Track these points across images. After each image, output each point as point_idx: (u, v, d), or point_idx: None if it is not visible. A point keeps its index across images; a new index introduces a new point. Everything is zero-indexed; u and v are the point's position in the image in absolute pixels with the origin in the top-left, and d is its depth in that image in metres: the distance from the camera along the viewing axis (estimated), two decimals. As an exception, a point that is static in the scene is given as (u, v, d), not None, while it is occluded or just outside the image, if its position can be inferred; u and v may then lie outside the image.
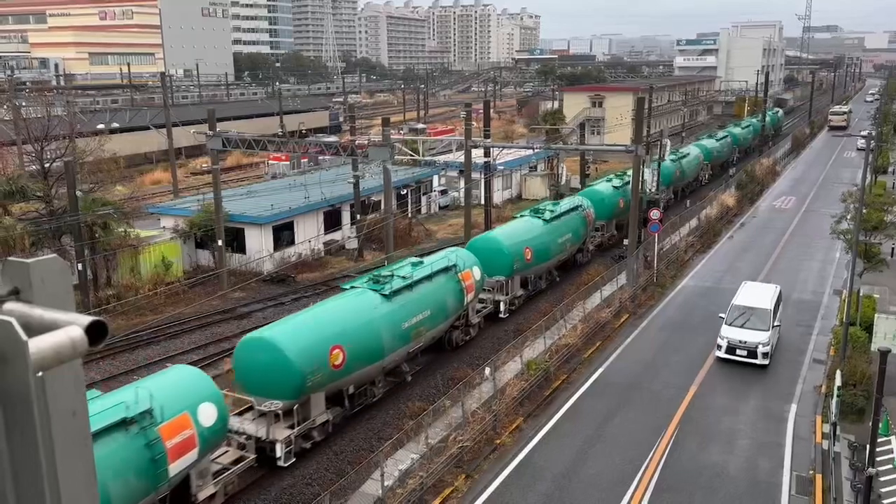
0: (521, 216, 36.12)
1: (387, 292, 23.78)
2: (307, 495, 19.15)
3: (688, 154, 58.13)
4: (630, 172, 39.25)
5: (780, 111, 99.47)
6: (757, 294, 28.96)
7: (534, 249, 33.28)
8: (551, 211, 35.96)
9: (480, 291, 29.75)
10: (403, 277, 24.91)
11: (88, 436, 1.94)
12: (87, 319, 1.81)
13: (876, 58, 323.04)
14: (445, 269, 26.95)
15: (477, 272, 28.78)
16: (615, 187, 43.35)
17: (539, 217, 35.29)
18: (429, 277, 25.88)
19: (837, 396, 21.57)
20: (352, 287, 24.62)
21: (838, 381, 22.12)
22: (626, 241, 38.25)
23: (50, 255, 1.98)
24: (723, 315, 28.09)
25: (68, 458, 1.87)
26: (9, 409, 1.80)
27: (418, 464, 20.04)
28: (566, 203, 38.25)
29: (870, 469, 16.65)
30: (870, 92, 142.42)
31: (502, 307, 31.99)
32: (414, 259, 27.63)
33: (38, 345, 1.73)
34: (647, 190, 42.24)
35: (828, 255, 41.95)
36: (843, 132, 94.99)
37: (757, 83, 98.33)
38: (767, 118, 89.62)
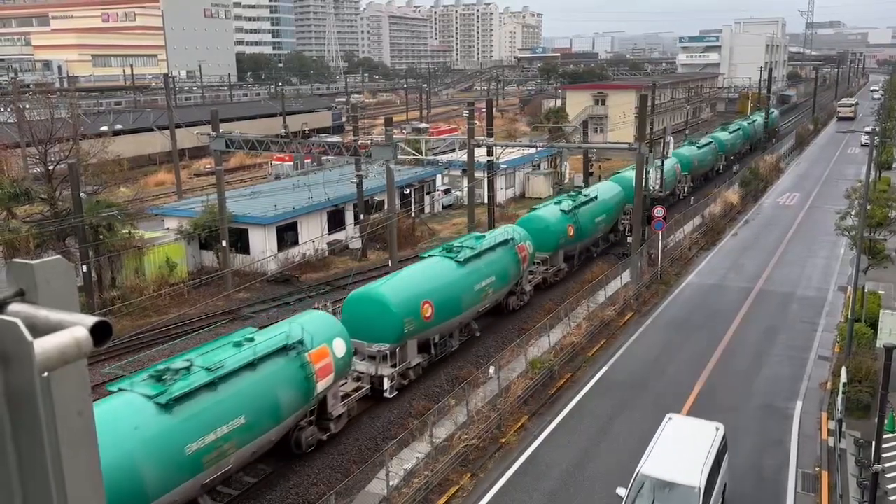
0: (430, 256, 28.61)
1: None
2: (313, 495, 19.18)
3: (591, 199, 44.02)
4: (586, 190, 38.19)
5: (776, 112, 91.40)
6: (684, 448, 17.49)
7: (438, 303, 25.69)
8: (470, 248, 28.72)
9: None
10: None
11: (94, 435, 1.95)
12: (91, 320, 1.83)
13: (879, 53, 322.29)
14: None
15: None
16: (564, 211, 36.51)
17: (451, 258, 27.91)
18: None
19: (843, 393, 21.53)
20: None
21: (844, 378, 22.06)
22: (629, 239, 38.24)
23: (54, 257, 1.99)
24: (622, 491, 16.83)
25: (74, 457, 1.88)
26: (15, 410, 1.81)
27: (423, 463, 20.05)
28: (493, 236, 31.15)
29: (876, 465, 16.62)
30: (872, 88, 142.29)
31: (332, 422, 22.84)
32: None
33: (44, 345, 1.74)
34: (651, 188, 42.16)
35: (832, 251, 41.86)
36: (850, 122, 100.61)
37: (760, 80, 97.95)
38: (759, 120, 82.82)
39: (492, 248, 29.72)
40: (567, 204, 37.48)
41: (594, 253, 40.85)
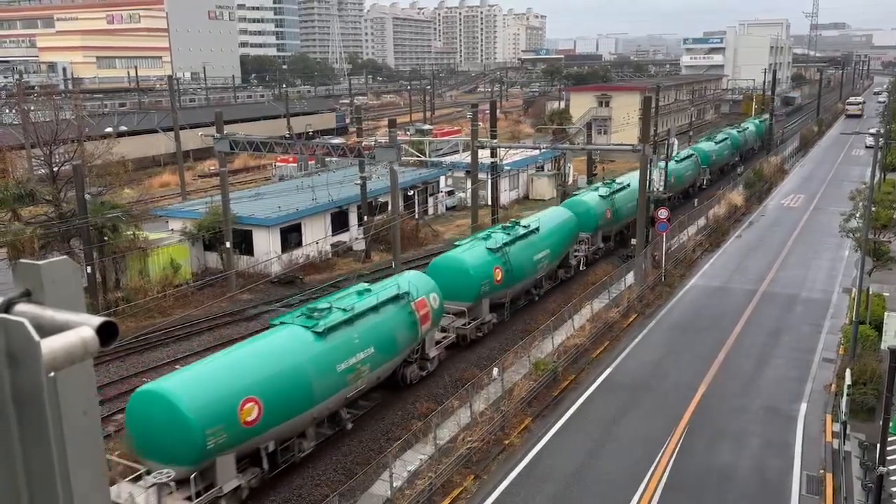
0: (281, 325, 21.10)
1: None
2: (316, 496, 19.19)
3: (625, 187, 42.61)
4: (527, 220, 33.07)
5: (768, 119, 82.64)
6: None
7: (267, 402, 18.23)
8: (344, 310, 21.49)
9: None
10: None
11: (99, 434, 1.96)
12: (97, 320, 1.84)
13: (884, 55, 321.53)
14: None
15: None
16: (491, 250, 29.45)
17: (311, 328, 20.45)
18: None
19: (847, 395, 21.47)
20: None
21: (848, 380, 22.00)
22: (633, 241, 38.19)
23: (60, 258, 2.00)
24: None
25: (80, 456, 1.89)
26: (22, 409, 1.83)
27: (427, 464, 20.05)
28: (380, 290, 23.69)
29: (880, 468, 16.57)
30: (875, 90, 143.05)
31: None
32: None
33: (50, 345, 1.75)
34: (655, 189, 42.11)
35: (837, 253, 41.76)
36: (858, 119, 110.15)
37: (764, 81, 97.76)
38: (751, 128, 75.54)
39: (373, 309, 22.42)
40: (496, 240, 30.32)
41: (535, 296, 33.76)
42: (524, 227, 32.58)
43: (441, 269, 28.26)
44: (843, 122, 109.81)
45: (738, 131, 72.02)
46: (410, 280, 25.04)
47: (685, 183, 54.31)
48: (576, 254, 37.70)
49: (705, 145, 62.10)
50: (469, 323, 28.40)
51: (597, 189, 40.17)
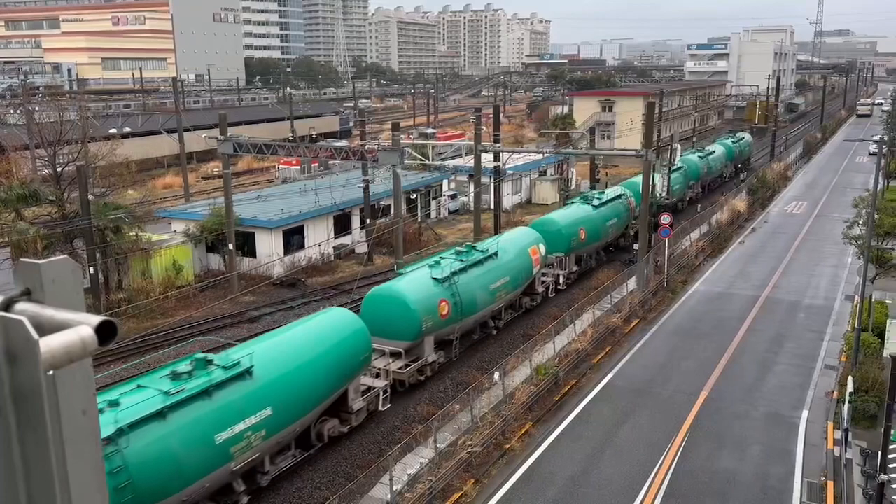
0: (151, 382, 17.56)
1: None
2: (316, 499, 19.18)
3: (606, 202, 40.02)
4: (485, 244, 30.63)
5: (748, 136, 74.44)
6: None
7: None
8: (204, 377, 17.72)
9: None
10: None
11: (98, 434, 1.96)
12: (97, 319, 1.84)
13: (888, 62, 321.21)
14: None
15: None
16: (438, 280, 26.30)
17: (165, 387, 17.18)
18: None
19: (849, 402, 21.43)
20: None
21: (850, 387, 21.97)
22: (636, 246, 38.14)
23: (61, 257, 2.00)
24: None
25: (78, 455, 1.89)
26: (20, 407, 1.83)
27: (427, 468, 20.03)
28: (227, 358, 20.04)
29: (882, 475, 16.53)
30: (877, 101, 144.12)
31: None
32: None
33: (49, 344, 1.75)
34: (658, 194, 42.07)
35: (840, 260, 41.70)
36: (868, 118, 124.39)
37: (768, 88, 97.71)
38: (720, 150, 63.25)
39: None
40: (444, 268, 26.91)
41: (494, 329, 30.48)
42: (481, 251, 29.45)
43: (378, 301, 25.02)
44: (855, 120, 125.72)
45: (702, 156, 58.08)
46: (331, 319, 22.01)
47: (605, 237, 40.13)
48: (543, 279, 34.10)
49: (561, 216, 42.57)
50: (408, 365, 24.73)
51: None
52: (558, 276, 35.24)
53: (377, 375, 23.80)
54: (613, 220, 40.60)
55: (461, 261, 27.90)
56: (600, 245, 39.98)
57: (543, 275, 34.18)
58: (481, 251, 29.45)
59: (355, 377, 21.68)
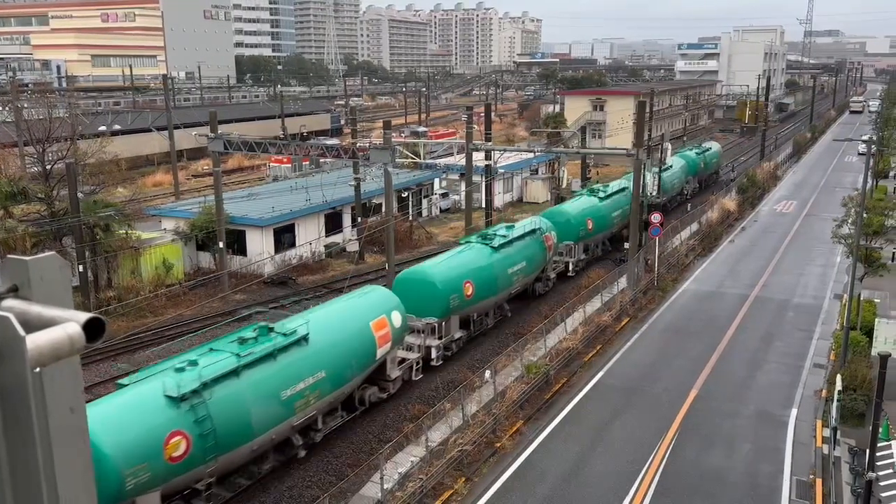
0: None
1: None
2: (307, 497, 19.14)
3: (522, 235, 32.37)
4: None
5: (716, 146, 66.96)
6: None
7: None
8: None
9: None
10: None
11: (86, 431, 1.95)
12: (84, 316, 1.83)
13: (877, 62, 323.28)
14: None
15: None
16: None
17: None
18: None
19: (838, 401, 21.55)
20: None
21: (839, 386, 22.10)
22: (626, 245, 38.25)
23: (49, 254, 1.99)
24: None
25: (65, 453, 1.88)
26: (6, 405, 1.81)
27: (418, 467, 20.02)
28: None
29: (870, 473, 16.63)
30: (869, 105, 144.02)
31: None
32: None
33: (36, 341, 1.74)
34: (648, 194, 42.20)
35: (829, 259, 41.93)
36: (860, 114, 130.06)
37: (758, 87, 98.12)
38: (679, 165, 52.86)
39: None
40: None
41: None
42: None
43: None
44: (848, 116, 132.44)
45: (655, 170, 45.66)
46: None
47: (501, 289, 30.61)
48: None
49: (570, 208, 39.35)
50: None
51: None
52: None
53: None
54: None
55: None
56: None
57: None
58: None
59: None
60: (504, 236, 31.19)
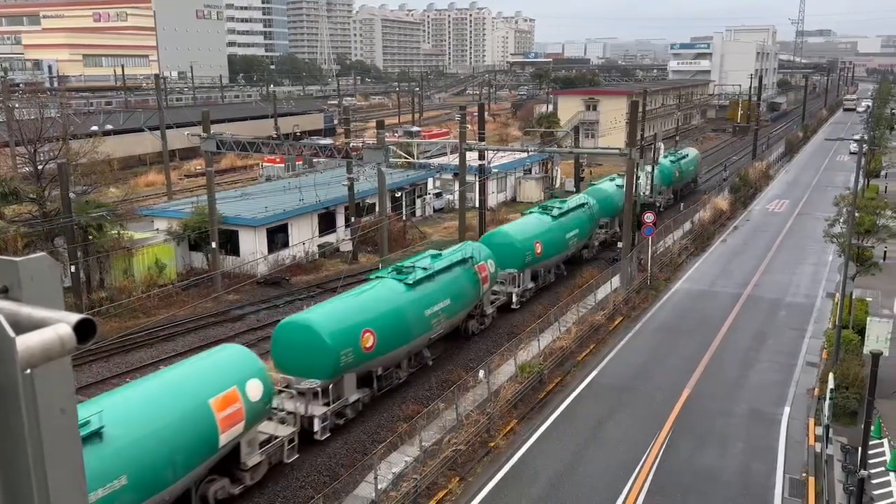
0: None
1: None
2: (301, 498, 19.11)
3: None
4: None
5: (692, 153, 61.18)
6: None
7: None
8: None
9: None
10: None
11: (77, 433, 1.94)
12: (75, 317, 1.82)
13: (869, 62, 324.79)
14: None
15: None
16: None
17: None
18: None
19: (830, 399, 21.63)
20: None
21: (831, 384, 22.18)
22: (619, 244, 38.31)
23: (39, 254, 1.98)
24: None
25: (56, 455, 1.87)
26: (-4, 406, 1.80)
27: (412, 466, 20.02)
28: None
29: (862, 471, 16.71)
30: (860, 107, 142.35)
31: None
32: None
33: (26, 342, 1.73)
34: (642, 193, 42.26)
35: (821, 258, 42.10)
36: (853, 112, 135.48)
37: (751, 87, 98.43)
38: (652, 175, 43.44)
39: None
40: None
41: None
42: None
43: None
44: (840, 115, 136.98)
45: (619, 185, 41.67)
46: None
47: (406, 341, 25.81)
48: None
49: (515, 229, 34.81)
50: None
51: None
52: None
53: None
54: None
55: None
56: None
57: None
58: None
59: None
60: (425, 269, 25.96)
